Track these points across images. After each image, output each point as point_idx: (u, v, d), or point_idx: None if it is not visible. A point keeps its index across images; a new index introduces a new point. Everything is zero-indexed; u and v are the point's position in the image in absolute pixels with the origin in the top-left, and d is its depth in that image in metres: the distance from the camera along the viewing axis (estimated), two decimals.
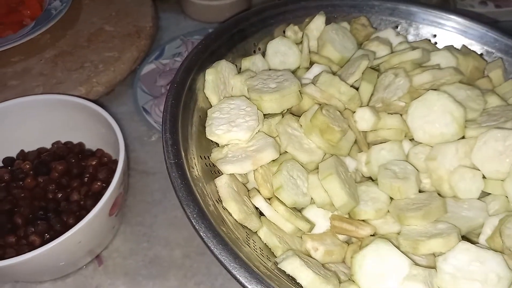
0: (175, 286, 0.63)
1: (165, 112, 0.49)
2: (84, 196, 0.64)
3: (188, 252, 0.66)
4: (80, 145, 0.72)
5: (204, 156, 0.51)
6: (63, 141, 0.72)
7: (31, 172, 0.66)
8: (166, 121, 0.48)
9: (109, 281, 0.63)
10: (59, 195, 0.64)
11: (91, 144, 0.72)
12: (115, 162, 0.68)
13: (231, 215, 0.46)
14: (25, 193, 0.63)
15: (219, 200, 0.47)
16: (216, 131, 0.51)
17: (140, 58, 0.89)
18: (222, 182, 0.48)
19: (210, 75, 0.55)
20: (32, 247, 0.57)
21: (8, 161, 0.68)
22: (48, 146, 0.71)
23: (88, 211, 0.56)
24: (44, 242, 0.54)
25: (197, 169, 0.47)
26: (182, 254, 0.66)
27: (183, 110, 0.51)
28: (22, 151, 0.70)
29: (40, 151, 0.70)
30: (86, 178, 0.66)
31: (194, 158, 0.48)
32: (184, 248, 0.67)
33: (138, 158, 0.78)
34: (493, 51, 0.66)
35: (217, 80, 0.56)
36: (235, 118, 0.52)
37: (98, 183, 0.64)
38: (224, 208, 0.46)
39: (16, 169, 0.66)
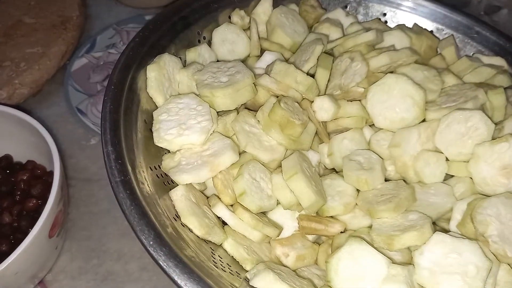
0: None
1: (103, 120, 0.42)
2: (17, 217, 0.58)
3: (145, 264, 0.61)
4: (7, 158, 0.65)
5: (155, 167, 0.46)
6: None
7: None
8: (106, 131, 0.42)
9: None
10: None
11: (20, 155, 0.65)
12: (51, 174, 0.62)
13: (191, 231, 0.42)
14: None
15: (177, 216, 0.42)
16: (166, 136, 0.46)
17: (69, 52, 0.82)
18: (178, 195, 0.43)
19: (152, 71, 0.50)
20: None
21: None
22: None
23: (24, 233, 0.51)
24: None
25: (147, 184, 0.42)
26: (139, 266, 0.61)
27: (124, 115, 0.45)
28: None
29: None
30: (18, 196, 0.60)
31: (143, 172, 0.43)
32: (140, 260, 0.62)
33: (78, 164, 0.72)
34: (443, 27, 0.66)
35: (161, 76, 0.50)
36: (185, 119, 0.47)
37: (33, 201, 0.59)
38: (184, 225, 0.42)
39: None
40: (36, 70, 0.75)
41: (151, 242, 0.36)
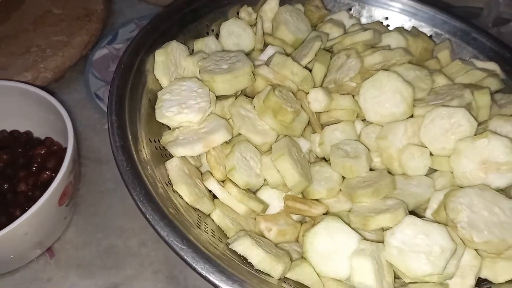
0: (132, 275, 0.61)
1: (110, 94, 0.47)
2: (32, 187, 0.61)
3: (145, 240, 0.65)
4: (27, 133, 0.68)
5: (154, 140, 0.50)
6: (8, 129, 0.68)
7: None
8: (111, 103, 0.46)
9: (62, 274, 0.61)
10: (5, 187, 0.60)
11: (39, 132, 0.69)
12: (65, 150, 0.65)
13: (182, 198, 0.45)
14: None
15: (169, 183, 0.46)
16: (166, 113, 0.50)
17: (92, 42, 0.86)
18: (172, 165, 0.47)
19: (160, 56, 0.54)
20: None
21: None
22: None
23: (36, 202, 0.54)
24: None
25: (145, 152, 0.45)
26: (138, 242, 0.64)
27: (130, 92, 0.49)
28: None
29: None
30: (34, 168, 0.63)
31: (142, 141, 0.46)
32: (140, 236, 0.65)
33: (91, 146, 0.76)
34: (442, 32, 0.68)
35: (168, 61, 0.54)
36: (186, 99, 0.51)
37: (47, 173, 0.61)
38: (175, 191, 0.45)
39: None
40: (60, 56, 0.78)
41: (141, 198, 0.39)
